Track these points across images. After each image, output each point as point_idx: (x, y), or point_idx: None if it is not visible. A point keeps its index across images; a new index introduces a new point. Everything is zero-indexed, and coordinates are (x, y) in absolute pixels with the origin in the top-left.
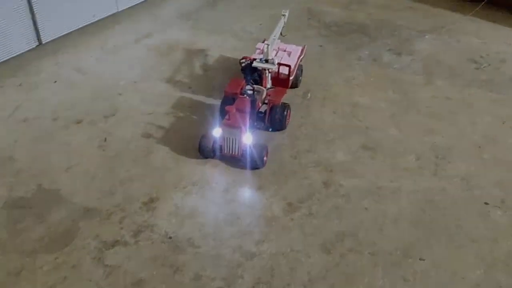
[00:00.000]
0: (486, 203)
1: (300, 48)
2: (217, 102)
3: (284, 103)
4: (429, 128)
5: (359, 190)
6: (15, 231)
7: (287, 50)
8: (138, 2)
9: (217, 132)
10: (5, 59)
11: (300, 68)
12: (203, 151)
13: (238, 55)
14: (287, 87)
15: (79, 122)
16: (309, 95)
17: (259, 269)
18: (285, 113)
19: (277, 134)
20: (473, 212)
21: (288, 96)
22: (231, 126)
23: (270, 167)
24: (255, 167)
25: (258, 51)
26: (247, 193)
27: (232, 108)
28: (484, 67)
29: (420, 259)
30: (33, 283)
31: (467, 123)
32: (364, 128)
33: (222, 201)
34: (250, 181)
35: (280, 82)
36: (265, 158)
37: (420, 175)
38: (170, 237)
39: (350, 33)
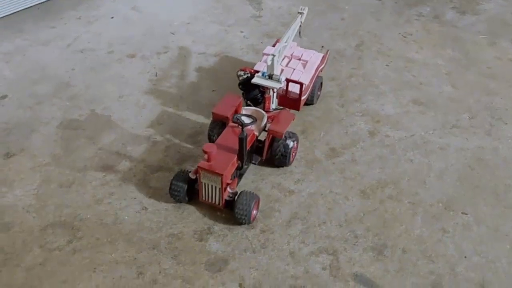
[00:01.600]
0: None
1: (320, 55)
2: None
3: (291, 133)
4: (488, 88)
5: (405, 142)
6: (69, 149)
7: (302, 58)
8: None
9: (193, 175)
10: None
11: (318, 82)
12: (174, 196)
13: (292, 3)
14: (297, 109)
15: (132, 56)
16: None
17: (296, 205)
18: (290, 147)
19: (326, 80)
20: None
21: (338, 46)
22: (211, 171)
23: (316, 113)
24: (240, 222)
25: (264, 57)
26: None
27: (211, 148)
28: None
29: (462, 213)
30: (82, 195)
31: None
32: (417, 83)
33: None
34: (295, 124)
35: (289, 102)
36: (254, 212)
37: (473, 134)
38: None
39: None
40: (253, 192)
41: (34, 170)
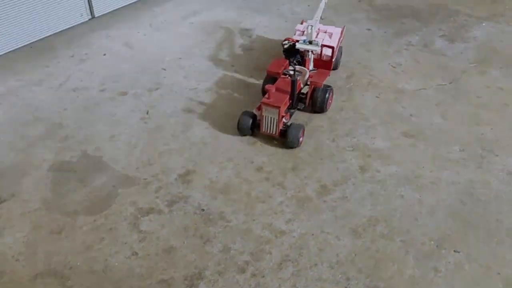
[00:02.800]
0: None
1: (339, 29)
2: (258, 82)
3: (327, 86)
4: (478, 119)
5: (396, 178)
6: (60, 192)
7: (327, 31)
8: None
9: (256, 110)
10: (60, 29)
11: (340, 50)
12: (242, 128)
13: (283, 35)
14: (329, 69)
15: (124, 94)
16: (351, 84)
17: (287, 246)
18: (327, 95)
19: (317, 116)
20: None
21: (330, 79)
22: (271, 105)
23: (307, 148)
24: (291, 146)
25: (298, 32)
26: (280, 172)
27: (272, 88)
28: None
29: (454, 251)
30: (72, 241)
31: None
32: (407, 115)
33: (256, 179)
34: (285, 161)
35: (323, 64)
36: (301, 139)
37: (464, 167)
38: (203, 209)
39: (402, 18)
40: (300, 123)
41: (24, 216)
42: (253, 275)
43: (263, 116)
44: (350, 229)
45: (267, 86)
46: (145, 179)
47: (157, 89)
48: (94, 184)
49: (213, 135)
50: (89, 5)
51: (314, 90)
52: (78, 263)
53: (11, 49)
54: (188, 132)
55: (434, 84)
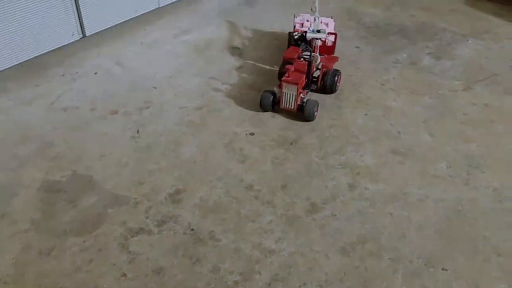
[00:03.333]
0: None
1: (330, 19)
2: (249, 98)
3: (336, 70)
4: (464, 136)
5: (384, 195)
6: (49, 213)
7: (323, 22)
8: None
9: (277, 88)
10: (51, 49)
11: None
12: (264, 104)
13: (273, 53)
14: (332, 53)
15: (115, 113)
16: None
17: (277, 266)
18: (336, 78)
19: (306, 133)
20: (502, 224)
21: (319, 96)
22: (290, 82)
23: (296, 166)
24: (308, 119)
25: (298, 25)
26: (270, 191)
27: (291, 67)
28: None
29: (442, 269)
30: (61, 263)
31: (505, 132)
32: (395, 132)
33: (246, 198)
34: (275, 179)
35: (327, 49)
36: (315, 113)
37: (450, 184)
38: (193, 229)
39: (390, 35)
40: (315, 100)
41: (14, 237)
42: None
43: (283, 92)
44: (339, 248)
45: (287, 66)
46: (135, 198)
47: (147, 107)
48: (84, 204)
49: (202, 154)
50: (80, 24)
51: (324, 74)
52: (67, 286)
53: (1, 69)
54: (178, 150)
55: (421, 101)
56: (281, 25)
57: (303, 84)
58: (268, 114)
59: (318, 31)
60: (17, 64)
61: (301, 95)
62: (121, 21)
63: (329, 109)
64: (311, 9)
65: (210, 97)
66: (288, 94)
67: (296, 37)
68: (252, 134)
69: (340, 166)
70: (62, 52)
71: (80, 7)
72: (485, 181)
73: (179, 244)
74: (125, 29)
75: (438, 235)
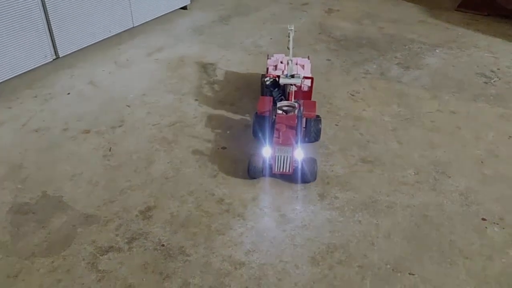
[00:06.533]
0: (483, 219)
1: (306, 59)
2: (221, 114)
3: (318, 116)
4: (431, 143)
5: (354, 203)
6: (18, 235)
7: (298, 63)
8: (153, 18)
9: (267, 152)
10: (23, 71)
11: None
12: (253, 171)
13: (245, 69)
14: (310, 99)
15: (87, 132)
16: None
17: (246, 278)
18: (320, 125)
19: None
20: (469, 228)
21: None
22: (284, 144)
23: (267, 178)
24: (306, 181)
25: (271, 67)
26: (241, 203)
27: (282, 127)
28: (494, 81)
29: (409, 274)
30: (29, 285)
31: (471, 138)
32: (364, 141)
33: (217, 211)
34: (246, 192)
35: (302, 94)
36: (316, 172)
37: (418, 190)
38: (163, 245)
39: (360, 47)
40: (311, 157)
41: None
42: None
43: (275, 156)
44: (309, 257)
45: (278, 126)
46: (105, 217)
47: (120, 126)
48: (53, 225)
49: (174, 170)
50: (53, 45)
51: (308, 121)
52: None
53: None
54: (150, 167)
55: (390, 110)
56: (254, 40)
57: (297, 143)
58: (241, 129)
59: (292, 76)
60: None
61: (296, 155)
62: (95, 42)
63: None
64: (287, 47)
65: (183, 113)
66: (282, 157)
67: (268, 82)
68: (224, 148)
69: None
70: (34, 74)
71: (53, 29)
72: (451, 186)
73: (149, 260)
74: (98, 49)
75: (406, 240)
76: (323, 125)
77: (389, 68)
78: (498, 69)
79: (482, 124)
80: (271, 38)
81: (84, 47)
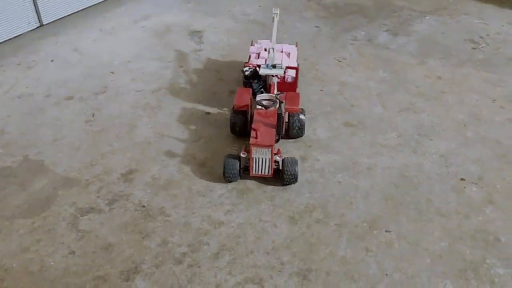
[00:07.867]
0: (462, 179)
1: (294, 47)
2: (207, 80)
3: (302, 109)
4: (415, 107)
5: (334, 165)
6: None
7: (283, 50)
8: None
9: (244, 153)
10: (6, 38)
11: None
12: (228, 174)
13: (232, 36)
14: (294, 91)
15: (70, 98)
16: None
17: (225, 236)
18: (304, 120)
19: None
20: (447, 188)
21: None
22: (262, 145)
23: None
24: (288, 183)
25: (253, 55)
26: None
27: (259, 126)
28: (482, 47)
29: (386, 231)
30: (8, 244)
31: (455, 102)
32: (348, 105)
33: (198, 174)
34: (227, 153)
35: (287, 86)
36: (298, 173)
37: (399, 152)
38: (143, 206)
39: (349, 14)
40: (293, 157)
41: None
42: (190, 265)
43: (252, 158)
44: (287, 217)
45: (254, 126)
46: (86, 180)
47: (104, 92)
48: (34, 187)
49: (157, 135)
50: (37, 13)
51: (291, 116)
52: (14, 265)
53: None
54: (132, 133)
55: (376, 75)
56: (242, 8)
57: (276, 143)
58: (225, 94)
59: (274, 66)
60: None
61: (277, 156)
62: (79, 9)
63: None
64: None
65: (168, 80)
66: (260, 159)
67: (247, 73)
68: (208, 113)
69: (293, 141)
70: (18, 41)
71: None
72: (433, 148)
73: (129, 221)
74: (84, 17)
75: (384, 200)
76: (309, 91)
77: (377, 35)
78: (487, 35)
79: (467, 88)
80: (259, 6)
81: (69, 15)
